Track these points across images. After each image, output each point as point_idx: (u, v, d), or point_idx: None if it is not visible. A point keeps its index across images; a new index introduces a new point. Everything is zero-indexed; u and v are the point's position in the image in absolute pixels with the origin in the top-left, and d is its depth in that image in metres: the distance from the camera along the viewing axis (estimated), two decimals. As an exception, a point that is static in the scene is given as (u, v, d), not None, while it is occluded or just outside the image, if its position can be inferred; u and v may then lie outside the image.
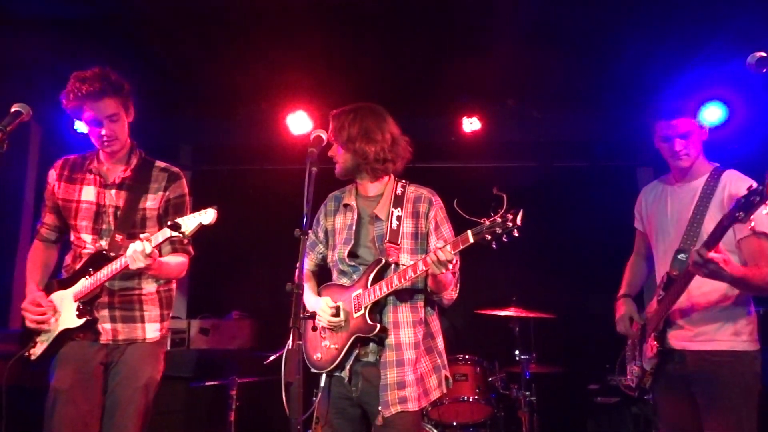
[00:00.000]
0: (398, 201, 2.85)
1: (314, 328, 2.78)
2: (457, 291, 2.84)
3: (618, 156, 6.30)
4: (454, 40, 4.90)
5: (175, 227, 2.55)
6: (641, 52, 4.97)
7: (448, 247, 2.52)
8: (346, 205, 2.95)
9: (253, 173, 6.39)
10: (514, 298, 4.72)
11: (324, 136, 2.72)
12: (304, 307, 2.85)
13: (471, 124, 5.80)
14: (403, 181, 2.96)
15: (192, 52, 5.02)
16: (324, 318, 2.79)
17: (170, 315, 3.09)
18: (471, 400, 4.34)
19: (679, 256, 2.75)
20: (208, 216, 2.60)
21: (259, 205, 6.33)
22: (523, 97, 5.85)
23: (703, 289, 2.73)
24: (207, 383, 4.67)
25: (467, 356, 4.48)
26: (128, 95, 2.96)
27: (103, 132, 2.89)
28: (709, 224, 2.70)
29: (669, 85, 5.38)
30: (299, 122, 5.76)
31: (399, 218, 2.80)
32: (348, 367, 2.76)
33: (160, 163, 3.11)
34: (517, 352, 4.60)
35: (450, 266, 2.55)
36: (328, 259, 3.00)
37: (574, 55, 5.07)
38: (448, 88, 5.56)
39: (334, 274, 2.97)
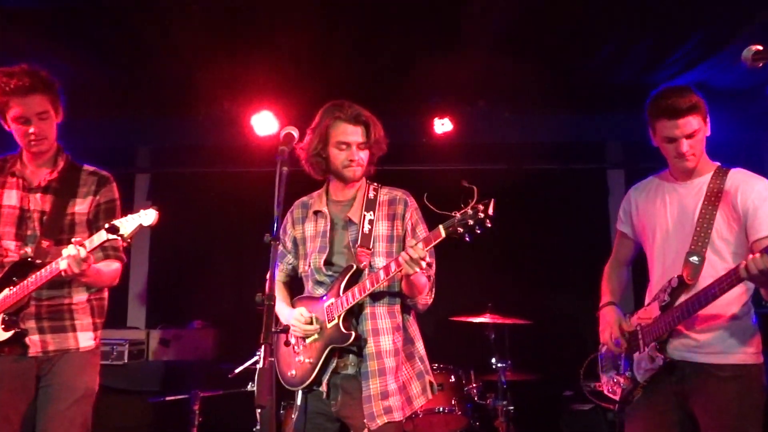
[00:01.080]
0: (371, 204, 2.77)
1: (287, 343, 2.62)
2: (433, 295, 2.74)
3: (589, 158, 6.27)
4: (425, 39, 4.77)
5: (113, 230, 2.46)
6: (613, 53, 4.91)
7: (420, 244, 2.45)
8: (317, 212, 2.83)
9: (215, 176, 6.14)
10: (489, 305, 4.60)
11: (296, 133, 2.56)
12: (277, 320, 2.68)
13: (442, 126, 5.68)
14: (375, 183, 2.86)
15: (149, 45, 4.75)
16: (299, 327, 2.66)
17: (102, 324, 2.97)
18: (446, 410, 4.18)
19: (691, 259, 2.57)
20: (148, 217, 2.50)
21: (222, 209, 6.10)
22: (495, 98, 5.76)
23: None
24: (167, 398, 4.44)
25: (442, 365, 4.33)
26: (58, 94, 2.85)
27: (32, 130, 2.76)
28: (720, 226, 2.57)
29: (641, 87, 5.35)
30: (265, 123, 5.56)
31: (371, 222, 2.72)
32: (325, 380, 2.63)
33: (88, 167, 2.98)
34: (493, 360, 4.47)
35: (423, 264, 2.46)
36: (300, 270, 2.88)
37: (545, 57, 5.00)
38: (420, 88, 5.43)
39: (309, 285, 2.83)
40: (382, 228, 2.74)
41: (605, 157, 6.35)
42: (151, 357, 5.40)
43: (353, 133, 2.70)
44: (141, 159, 6.43)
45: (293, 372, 2.71)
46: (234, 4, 4.27)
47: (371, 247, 2.68)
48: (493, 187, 6.34)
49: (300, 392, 2.69)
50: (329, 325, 2.64)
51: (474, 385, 4.42)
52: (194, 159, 6.16)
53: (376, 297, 2.66)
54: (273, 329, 2.06)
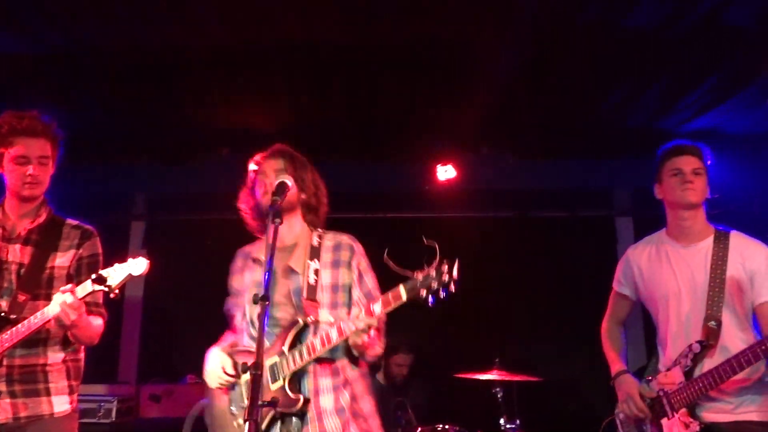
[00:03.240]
0: (315, 252, 2.60)
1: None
2: (383, 343, 2.54)
3: (596, 206, 6.12)
4: (428, 82, 4.68)
5: (100, 280, 2.33)
6: (624, 98, 4.82)
7: (374, 310, 2.29)
8: (255, 260, 2.66)
9: (213, 223, 5.97)
10: (496, 360, 4.37)
11: (290, 182, 2.43)
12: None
13: (446, 172, 5.56)
14: (319, 230, 2.68)
15: (146, 93, 4.70)
16: (216, 375, 2.50)
17: (79, 386, 2.79)
18: (451, 476, 3.91)
19: (709, 324, 2.65)
20: (138, 266, 2.37)
21: (220, 258, 5.83)
22: (499, 144, 5.66)
23: None
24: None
25: (447, 426, 4.10)
26: (59, 146, 2.80)
27: (30, 171, 2.68)
28: (731, 290, 2.67)
29: (649, 134, 5.25)
30: (263, 169, 5.41)
31: (317, 271, 2.54)
32: None
33: (71, 221, 2.87)
34: (502, 421, 4.21)
35: (372, 333, 2.33)
36: (236, 321, 2.69)
37: (552, 102, 4.91)
38: (422, 133, 5.34)
39: (243, 339, 2.61)
40: (326, 277, 2.56)
41: (613, 204, 6.19)
42: (140, 414, 5.18)
43: (276, 166, 2.72)
44: (137, 206, 6.29)
45: None
46: (232, 51, 4.20)
47: (318, 298, 2.51)
48: (497, 235, 6.21)
49: None
50: (273, 387, 2.41)
51: (481, 447, 4.15)
52: (191, 206, 6.02)
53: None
54: (260, 402, 1.84)
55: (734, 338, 2.63)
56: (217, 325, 5.91)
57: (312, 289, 2.51)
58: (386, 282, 2.38)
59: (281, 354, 2.43)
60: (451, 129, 5.26)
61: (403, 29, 3.93)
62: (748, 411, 2.59)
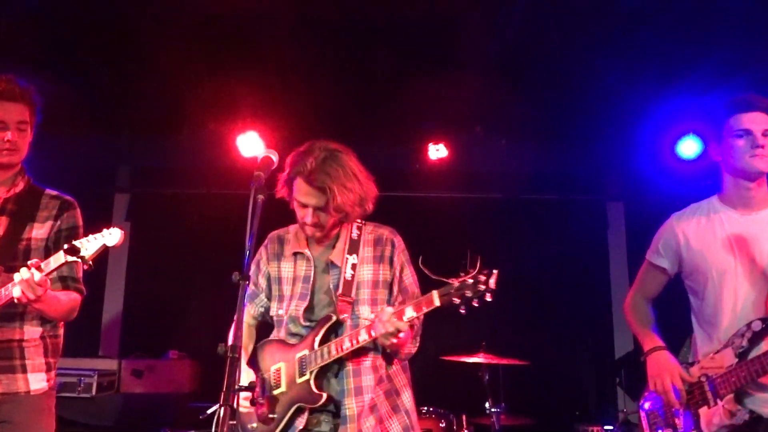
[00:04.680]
0: (354, 246, 2.50)
1: (253, 402, 2.29)
2: (418, 343, 2.48)
3: (587, 190, 6.07)
4: (421, 62, 4.59)
5: (73, 251, 2.24)
6: (615, 83, 4.75)
7: (405, 316, 2.22)
8: (297, 254, 2.53)
9: (198, 198, 5.88)
10: (482, 344, 4.33)
11: (275, 157, 2.30)
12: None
13: (437, 151, 5.47)
14: (359, 220, 2.56)
15: (130, 64, 4.56)
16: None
17: (57, 364, 2.70)
18: (435, 459, 3.89)
19: None
20: (113, 237, 2.27)
21: (204, 233, 5.83)
22: (492, 125, 5.58)
23: None
24: (135, 438, 4.13)
25: (431, 409, 4.08)
26: (37, 113, 2.68)
27: (8, 137, 2.57)
28: None
29: (643, 118, 5.20)
30: (250, 144, 5.33)
31: (354, 266, 2.45)
32: None
33: (50, 191, 2.74)
34: (487, 404, 4.18)
35: (402, 335, 2.24)
36: (272, 312, 2.57)
37: (545, 84, 4.85)
38: (414, 112, 5.24)
39: (281, 332, 2.52)
40: (366, 272, 2.47)
41: (604, 188, 6.15)
42: (122, 389, 5.10)
43: (308, 195, 2.35)
44: (120, 178, 6.17)
45: (254, 425, 2.43)
46: (220, 24, 4.08)
47: (353, 294, 2.42)
48: (487, 217, 6.16)
49: None
50: (299, 380, 2.37)
51: (466, 430, 4.14)
52: (176, 180, 5.92)
53: (357, 351, 2.38)
54: (237, 386, 1.77)
55: None
56: (202, 299, 5.90)
57: (348, 285, 2.43)
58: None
59: (311, 348, 2.37)
60: (444, 109, 5.17)
61: (395, 6, 3.82)
62: None
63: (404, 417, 2.45)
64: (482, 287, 2.09)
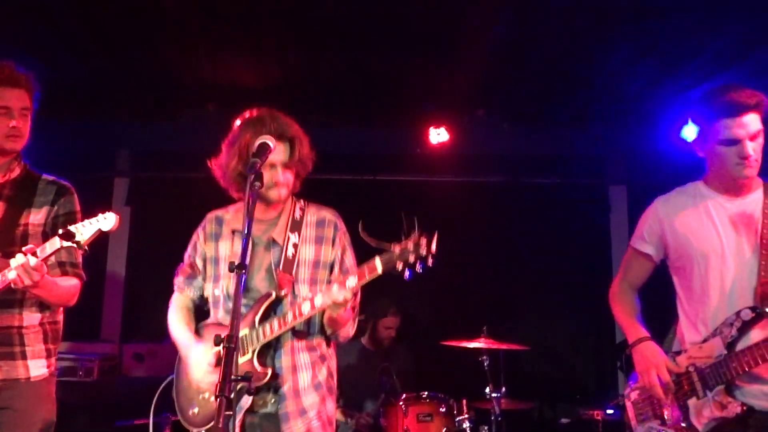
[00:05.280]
0: (296, 225, 2.51)
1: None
2: (355, 326, 2.52)
3: (590, 173, 6.03)
4: (421, 45, 4.52)
5: (68, 236, 2.24)
6: (618, 65, 4.68)
7: (347, 284, 2.21)
8: (235, 231, 2.53)
9: (198, 181, 5.77)
10: (483, 328, 4.32)
11: (271, 143, 2.27)
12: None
13: (438, 135, 5.43)
14: (301, 201, 2.58)
15: (129, 46, 4.50)
16: (199, 372, 2.38)
17: (57, 350, 2.71)
18: (435, 443, 3.89)
19: (765, 288, 2.28)
20: (108, 222, 2.28)
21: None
22: (494, 108, 5.52)
23: None
24: (136, 422, 4.12)
25: (432, 394, 4.07)
26: (36, 100, 2.69)
27: (13, 124, 2.58)
28: None
29: (647, 101, 5.14)
30: (250, 127, 5.27)
31: (295, 246, 2.46)
32: (238, 421, 2.32)
33: (47, 176, 2.75)
34: (488, 389, 4.18)
35: (349, 305, 2.28)
36: (206, 293, 2.57)
37: (548, 66, 4.76)
38: (415, 95, 5.19)
39: (218, 313, 2.52)
40: (308, 252, 2.48)
41: (607, 172, 6.10)
42: (123, 372, 5.12)
43: (277, 152, 2.36)
44: (120, 162, 6.11)
45: (196, 410, 2.42)
46: (219, 5, 4.01)
47: (293, 272, 2.42)
48: (488, 201, 6.14)
49: None
50: (241, 360, 2.35)
51: (466, 415, 4.13)
52: (176, 163, 5.86)
53: (295, 329, 2.40)
54: (233, 377, 1.75)
55: None
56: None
57: (289, 263, 2.42)
58: (366, 253, 2.29)
59: (252, 326, 2.36)
60: (445, 92, 5.12)
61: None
62: None
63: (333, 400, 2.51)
64: (423, 251, 2.08)
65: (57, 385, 2.72)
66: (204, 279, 2.59)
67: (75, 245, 2.27)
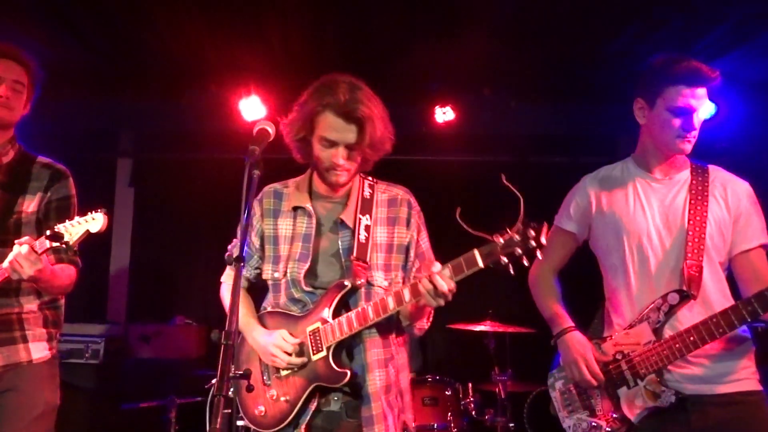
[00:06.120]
0: (366, 205, 2.26)
1: (249, 388, 2.01)
2: (431, 320, 2.32)
3: (600, 152, 5.92)
4: (426, 20, 4.41)
5: (56, 237, 2.19)
6: (629, 42, 4.57)
7: (447, 272, 1.96)
8: (297, 208, 2.30)
9: (201, 162, 5.79)
10: (489, 311, 4.29)
11: (271, 130, 2.13)
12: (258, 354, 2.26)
13: (444, 114, 5.33)
14: (370, 178, 2.36)
15: (131, 27, 4.43)
16: (281, 358, 2.16)
17: (58, 333, 2.68)
18: (439, 427, 3.88)
19: (690, 271, 2.21)
20: (96, 223, 2.23)
21: (209, 197, 5.76)
22: (500, 86, 5.41)
23: None
24: (142, 404, 4.13)
25: (437, 377, 4.04)
26: (37, 83, 2.64)
27: (1, 93, 2.50)
28: (712, 231, 2.24)
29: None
30: (253, 107, 5.22)
31: (368, 228, 2.22)
32: (304, 424, 2.16)
33: (42, 159, 2.70)
34: (493, 372, 4.15)
35: (450, 297, 1.99)
36: (266, 275, 2.34)
37: (556, 43, 4.66)
38: (420, 74, 5.10)
39: (279, 299, 2.30)
40: (380, 235, 2.25)
41: (617, 151, 5.99)
42: (130, 354, 5.12)
43: (342, 130, 2.12)
44: (123, 143, 6.05)
45: (262, 409, 2.22)
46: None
47: (368, 259, 2.19)
48: (495, 181, 6.01)
49: None
50: (314, 357, 2.15)
51: (471, 398, 4.12)
52: (179, 144, 5.82)
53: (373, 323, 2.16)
54: (232, 374, 1.69)
55: (715, 291, 2.22)
56: (207, 265, 5.87)
57: (362, 248, 2.18)
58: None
59: (324, 320, 2.15)
60: (451, 70, 5.02)
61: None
62: (735, 379, 2.19)
63: (398, 397, 2.29)
64: (533, 243, 1.87)
65: (62, 367, 2.71)
66: (262, 259, 2.36)
67: (63, 246, 2.24)
